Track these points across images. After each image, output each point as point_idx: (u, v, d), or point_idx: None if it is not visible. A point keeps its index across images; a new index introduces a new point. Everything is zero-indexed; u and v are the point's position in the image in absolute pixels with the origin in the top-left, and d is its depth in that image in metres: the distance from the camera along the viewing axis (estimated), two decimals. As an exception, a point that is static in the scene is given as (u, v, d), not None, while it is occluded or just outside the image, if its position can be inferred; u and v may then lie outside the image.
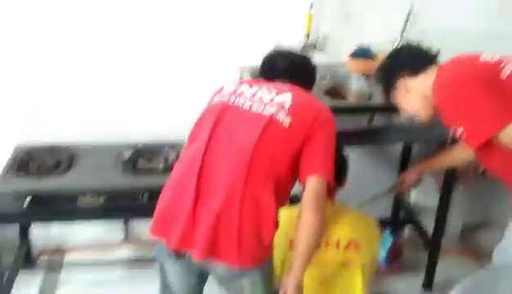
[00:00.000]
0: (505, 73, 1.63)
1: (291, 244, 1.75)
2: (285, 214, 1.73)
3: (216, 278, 1.65)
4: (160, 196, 1.63)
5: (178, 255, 1.57)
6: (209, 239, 1.49)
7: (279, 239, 1.70)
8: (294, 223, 1.58)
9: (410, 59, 1.83)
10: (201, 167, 1.55)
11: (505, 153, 1.59)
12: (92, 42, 2.31)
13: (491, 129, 1.56)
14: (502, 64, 1.65)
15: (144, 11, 2.29)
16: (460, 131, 1.63)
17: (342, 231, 1.81)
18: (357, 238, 1.81)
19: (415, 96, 1.82)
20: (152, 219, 1.62)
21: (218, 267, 1.56)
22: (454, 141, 2.11)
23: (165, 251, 1.59)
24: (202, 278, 1.71)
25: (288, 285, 1.57)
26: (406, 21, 2.38)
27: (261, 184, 1.53)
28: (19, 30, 2.24)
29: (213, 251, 1.50)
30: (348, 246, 1.78)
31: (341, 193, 1.95)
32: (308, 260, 1.56)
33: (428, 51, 1.84)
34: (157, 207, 1.62)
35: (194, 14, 2.32)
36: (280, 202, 1.58)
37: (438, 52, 1.84)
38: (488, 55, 1.70)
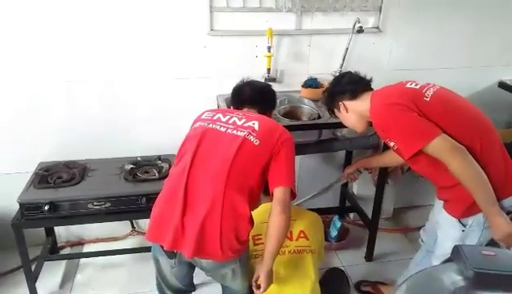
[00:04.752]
0: (428, 95, 1.56)
1: (254, 239, 1.68)
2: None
3: (202, 269, 1.55)
4: (154, 207, 1.51)
5: (171, 254, 1.47)
6: (197, 241, 1.39)
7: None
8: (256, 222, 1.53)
9: (349, 85, 1.74)
10: (187, 182, 1.44)
11: (429, 159, 1.52)
12: (101, 86, 2.19)
13: (418, 145, 1.49)
14: (425, 89, 1.58)
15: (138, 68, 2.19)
16: (392, 144, 1.57)
17: (293, 225, 1.72)
18: (304, 229, 1.72)
19: (353, 115, 1.74)
20: (148, 226, 1.50)
21: (204, 262, 1.47)
22: (385, 147, 2.05)
23: (159, 249, 1.48)
24: (191, 267, 1.60)
25: (261, 271, 1.49)
26: (344, 56, 2.28)
27: (236, 194, 1.43)
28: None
29: (200, 250, 1.41)
30: (298, 236, 1.70)
31: (302, 189, 1.85)
32: (277, 252, 1.49)
33: (364, 79, 1.76)
34: (151, 216, 1.50)
35: (181, 60, 2.21)
36: (252, 207, 1.49)
37: (371, 80, 1.76)
38: (413, 83, 1.63)
